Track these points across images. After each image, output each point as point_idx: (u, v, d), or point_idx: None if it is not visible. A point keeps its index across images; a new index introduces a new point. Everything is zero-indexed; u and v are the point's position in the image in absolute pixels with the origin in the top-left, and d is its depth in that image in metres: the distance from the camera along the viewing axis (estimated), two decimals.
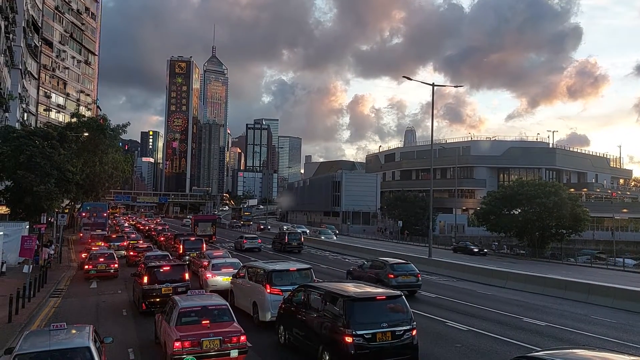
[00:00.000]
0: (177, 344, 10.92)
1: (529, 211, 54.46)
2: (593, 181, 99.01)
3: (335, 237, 61.12)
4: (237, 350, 11.23)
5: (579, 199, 61.47)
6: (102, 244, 36.80)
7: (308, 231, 65.85)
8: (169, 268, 19.06)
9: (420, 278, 22.46)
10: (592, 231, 72.74)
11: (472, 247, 54.42)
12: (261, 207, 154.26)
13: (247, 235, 48.09)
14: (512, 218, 56.05)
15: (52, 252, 34.38)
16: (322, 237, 58.12)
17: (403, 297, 11.53)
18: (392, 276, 21.73)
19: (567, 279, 25.09)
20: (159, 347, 12.76)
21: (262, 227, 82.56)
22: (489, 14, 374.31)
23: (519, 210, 55.52)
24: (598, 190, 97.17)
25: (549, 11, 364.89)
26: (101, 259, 27.58)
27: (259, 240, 46.05)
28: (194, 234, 42.96)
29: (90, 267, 27.14)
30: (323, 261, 37.01)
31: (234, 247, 44.62)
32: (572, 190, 69.73)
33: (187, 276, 19.16)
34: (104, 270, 27.12)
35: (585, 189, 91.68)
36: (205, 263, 23.40)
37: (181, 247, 32.67)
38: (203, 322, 11.71)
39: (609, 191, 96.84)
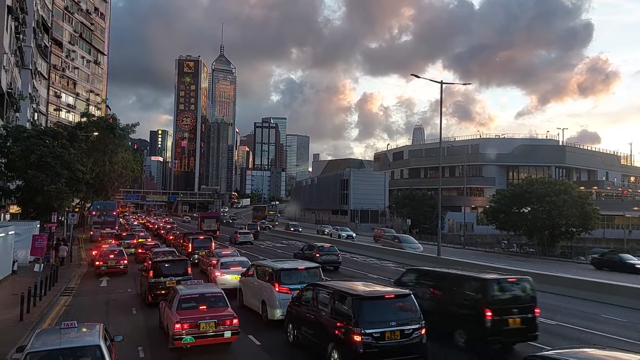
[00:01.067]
0: (178, 325, 12.52)
1: (539, 209, 54.10)
2: (603, 179, 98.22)
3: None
4: (230, 332, 12.87)
5: (589, 197, 60.97)
6: (113, 242, 37.47)
7: (354, 235, 61.22)
8: (173, 263, 20.72)
9: (340, 257, 30.42)
10: (602, 229, 72.16)
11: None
12: (275, 203, 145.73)
13: (240, 231, 53.05)
14: (522, 216, 55.71)
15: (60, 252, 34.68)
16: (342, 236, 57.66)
17: (412, 296, 11.51)
18: (318, 255, 29.24)
19: (576, 277, 24.92)
20: (166, 340, 13.31)
21: (291, 228, 71.34)
22: (498, 11, 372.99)
23: (529, 209, 55.18)
24: (609, 188, 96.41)
25: (559, 7, 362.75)
26: (111, 256, 28.59)
27: (251, 235, 51.37)
28: (203, 233, 44.88)
29: (101, 263, 28.07)
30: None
31: (229, 241, 48.69)
32: (582, 188, 69.21)
33: (189, 270, 20.56)
34: (114, 266, 28.14)
35: (595, 187, 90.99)
36: (214, 261, 23.50)
37: (190, 245, 32.80)
38: (200, 307, 13.30)
39: (620, 189, 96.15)
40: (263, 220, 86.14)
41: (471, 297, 13.07)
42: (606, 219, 74.62)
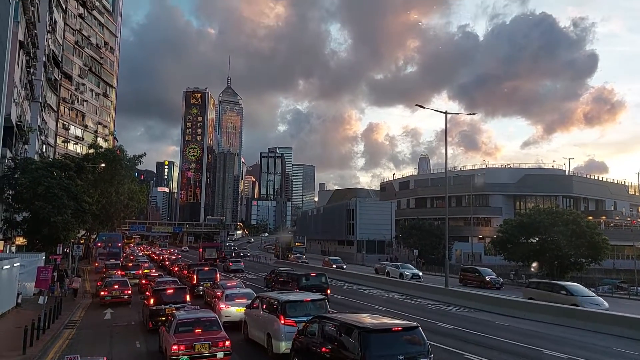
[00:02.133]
0: (175, 347, 13.76)
1: (547, 239, 53.57)
2: (612, 209, 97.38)
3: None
4: (222, 352, 14.05)
5: (598, 227, 60.29)
6: (119, 272, 38.99)
7: (421, 274, 49.74)
8: (172, 291, 22.26)
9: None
10: (612, 260, 71.16)
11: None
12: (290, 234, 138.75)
13: (232, 259, 58.40)
14: (530, 247, 55.11)
15: (68, 283, 34.58)
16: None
17: (419, 328, 11.30)
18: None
19: (588, 310, 24.46)
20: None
21: (332, 264, 57.75)
22: (503, 41, 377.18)
23: (537, 239, 54.62)
24: (617, 217, 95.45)
25: (563, 38, 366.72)
26: (116, 286, 29.76)
27: (242, 263, 55.70)
28: (208, 264, 45.44)
29: (106, 293, 29.17)
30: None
31: (222, 269, 51.04)
32: (591, 218, 68.56)
33: (187, 298, 22.52)
34: (118, 296, 29.19)
35: (604, 217, 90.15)
36: (219, 293, 23.28)
37: (195, 277, 32.59)
38: (196, 330, 14.60)
39: (629, 219, 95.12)
40: (299, 254, 75.07)
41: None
42: (616, 250, 73.69)
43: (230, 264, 53.58)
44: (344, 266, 57.71)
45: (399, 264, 52.88)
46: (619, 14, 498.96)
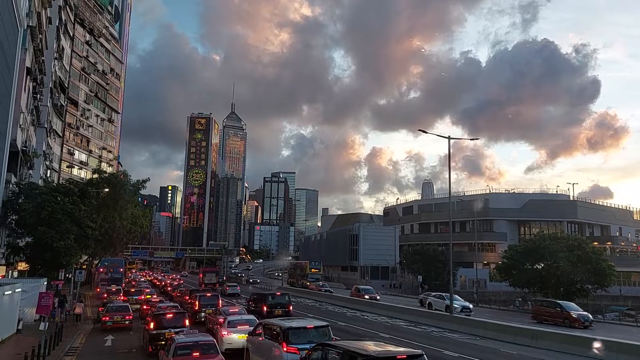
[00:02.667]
0: None
1: (553, 265, 53.09)
2: (617, 234, 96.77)
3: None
4: None
5: (604, 252, 59.72)
6: (121, 298, 39.59)
7: (471, 306, 42.31)
8: (172, 315, 22.77)
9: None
10: (618, 286, 70.37)
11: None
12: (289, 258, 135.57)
13: (229, 284, 61.14)
14: (535, 273, 54.58)
15: (67, 308, 34.33)
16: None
17: (424, 356, 11.09)
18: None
19: (597, 337, 24.04)
20: None
21: (364, 294, 48.24)
22: (505, 67, 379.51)
23: (542, 265, 54.14)
24: (623, 243, 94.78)
25: (565, 65, 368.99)
26: (117, 311, 30.19)
27: (238, 287, 57.69)
28: (210, 290, 45.68)
29: (107, 318, 29.47)
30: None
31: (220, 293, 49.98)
32: (596, 243, 68.13)
33: (187, 322, 23.00)
34: (119, 321, 29.50)
35: (609, 242, 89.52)
36: (221, 320, 23.00)
37: (197, 303, 32.26)
38: (194, 353, 15.20)
39: (634, 244, 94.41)
40: (322, 283, 67.80)
41: None
42: (622, 276, 72.94)
43: (227, 288, 56.53)
44: (378, 297, 50.33)
45: (443, 294, 42.10)
46: (620, 41, 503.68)
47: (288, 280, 78.87)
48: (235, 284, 62.89)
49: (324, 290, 58.78)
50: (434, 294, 45.07)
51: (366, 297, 46.63)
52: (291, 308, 33.73)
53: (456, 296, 46.69)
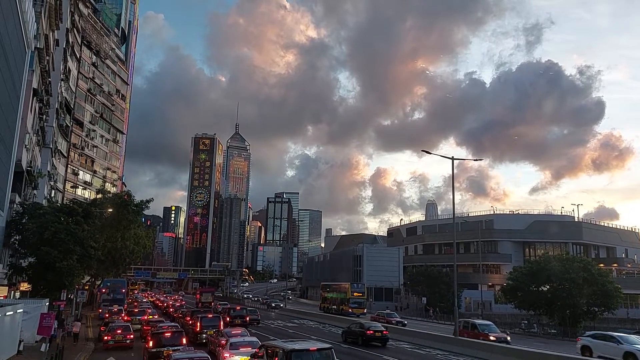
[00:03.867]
0: None
1: (558, 288, 52.52)
2: (623, 256, 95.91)
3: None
4: None
5: (610, 274, 59.11)
6: (125, 318, 40.96)
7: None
8: (170, 334, 24.45)
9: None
10: (625, 309, 69.50)
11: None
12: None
13: (220, 302, 65.32)
14: (541, 295, 53.97)
15: (66, 327, 34.08)
16: None
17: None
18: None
19: None
20: None
21: (486, 334, 33.00)
22: (509, 89, 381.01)
23: (547, 287, 53.55)
24: (629, 265, 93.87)
25: (570, 86, 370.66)
26: (118, 331, 31.06)
27: (228, 305, 58.02)
28: (211, 311, 46.68)
29: (109, 337, 30.54)
30: None
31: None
32: (602, 265, 67.47)
33: (184, 340, 24.62)
34: (121, 340, 30.48)
35: (615, 264, 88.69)
36: (223, 342, 22.81)
37: (198, 324, 31.98)
38: None
39: None
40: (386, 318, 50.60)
41: None
42: (629, 298, 72.09)
43: (219, 306, 59.14)
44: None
45: (615, 334, 28.88)
46: (624, 62, 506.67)
47: (321, 306, 70.81)
48: (226, 302, 68.60)
49: (395, 323, 47.24)
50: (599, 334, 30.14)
51: (491, 337, 32.46)
52: (248, 319, 43.20)
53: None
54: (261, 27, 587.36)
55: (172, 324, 33.38)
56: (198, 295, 78.26)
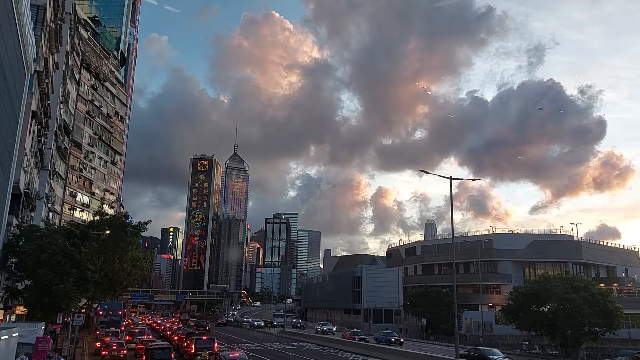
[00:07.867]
0: None
1: (559, 308, 52.08)
2: (623, 275, 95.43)
3: None
4: None
5: (610, 294, 58.62)
6: (127, 337, 45.87)
7: None
8: (160, 350, 28.89)
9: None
10: (627, 329, 68.82)
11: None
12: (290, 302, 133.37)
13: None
14: (542, 315, 53.48)
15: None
16: None
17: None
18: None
19: None
20: None
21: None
22: (511, 108, 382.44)
23: (548, 307, 53.10)
24: (630, 285, 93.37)
25: (571, 105, 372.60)
26: (114, 347, 35.96)
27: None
28: (205, 333, 46.72)
29: (106, 352, 35.38)
30: None
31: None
32: (602, 285, 67.09)
33: (172, 355, 29.01)
34: (117, 355, 35.37)
35: (615, 284, 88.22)
36: None
37: (193, 346, 31.80)
38: None
39: None
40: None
41: None
42: (630, 318, 71.42)
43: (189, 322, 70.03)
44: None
45: None
46: (624, 83, 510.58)
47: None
48: (205, 321, 78.64)
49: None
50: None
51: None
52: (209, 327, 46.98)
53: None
54: (264, 48, 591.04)
55: (165, 343, 38.32)
56: (179, 315, 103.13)
